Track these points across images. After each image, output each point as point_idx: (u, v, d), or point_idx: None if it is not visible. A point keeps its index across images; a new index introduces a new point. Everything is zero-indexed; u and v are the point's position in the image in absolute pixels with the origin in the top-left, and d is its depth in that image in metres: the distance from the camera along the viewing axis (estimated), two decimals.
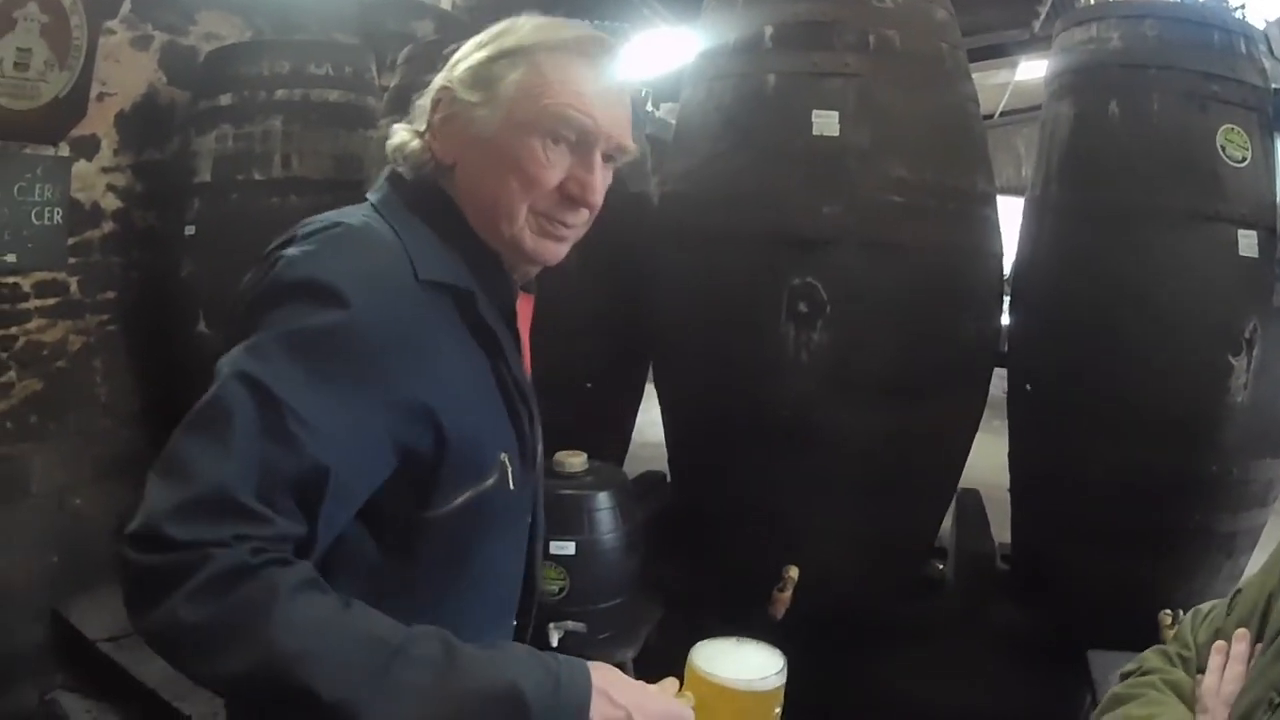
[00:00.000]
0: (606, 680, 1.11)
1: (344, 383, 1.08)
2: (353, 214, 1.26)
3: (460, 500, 1.20)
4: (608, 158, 1.27)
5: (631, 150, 1.29)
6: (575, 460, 3.01)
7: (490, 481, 1.22)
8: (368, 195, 1.32)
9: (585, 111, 1.21)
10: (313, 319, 1.10)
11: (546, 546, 2.87)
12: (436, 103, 1.28)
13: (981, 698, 3.15)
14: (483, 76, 1.24)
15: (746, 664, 1.16)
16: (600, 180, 1.25)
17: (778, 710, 1.20)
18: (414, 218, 1.26)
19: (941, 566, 3.51)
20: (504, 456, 1.25)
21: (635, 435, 3.95)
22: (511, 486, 1.25)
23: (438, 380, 1.16)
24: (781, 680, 1.15)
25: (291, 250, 1.18)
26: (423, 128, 1.30)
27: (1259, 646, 1.00)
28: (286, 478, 1.03)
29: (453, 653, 1.03)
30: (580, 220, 1.29)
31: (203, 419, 1.06)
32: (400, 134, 1.32)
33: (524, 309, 1.40)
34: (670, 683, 1.19)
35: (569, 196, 1.24)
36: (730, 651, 1.21)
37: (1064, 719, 2.84)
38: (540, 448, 1.40)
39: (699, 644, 1.17)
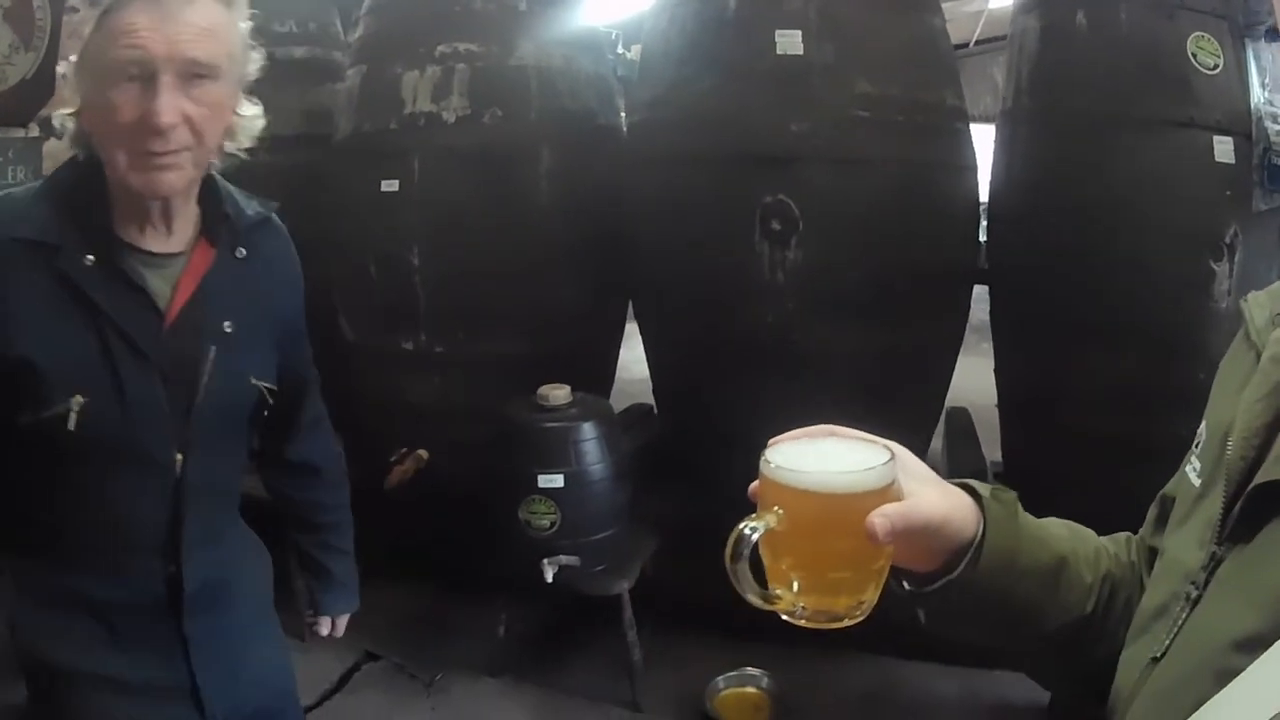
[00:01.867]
0: None
1: None
2: (26, 187, 1.45)
3: (25, 421, 1.33)
4: (192, 77, 1.28)
5: (213, 57, 1.30)
6: (559, 393, 3.00)
7: (51, 413, 1.32)
8: None
9: (137, 44, 1.24)
10: None
11: (534, 483, 2.91)
12: (65, 79, 1.39)
13: None
14: (82, 48, 1.31)
15: (842, 459, 0.91)
16: (169, 103, 1.25)
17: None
18: (58, 186, 1.39)
19: None
20: (78, 399, 1.32)
21: (620, 372, 3.95)
22: (72, 427, 1.32)
23: (5, 317, 1.31)
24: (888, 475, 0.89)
25: None
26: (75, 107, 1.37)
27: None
28: None
29: None
30: (173, 145, 1.29)
31: None
32: (64, 118, 1.41)
33: (199, 260, 1.44)
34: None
35: (146, 127, 1.25)
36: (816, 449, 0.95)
37: None
38: (198, 401, 1.43)
39: (773, 445, 0.94)
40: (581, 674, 3.27)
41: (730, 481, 3.12)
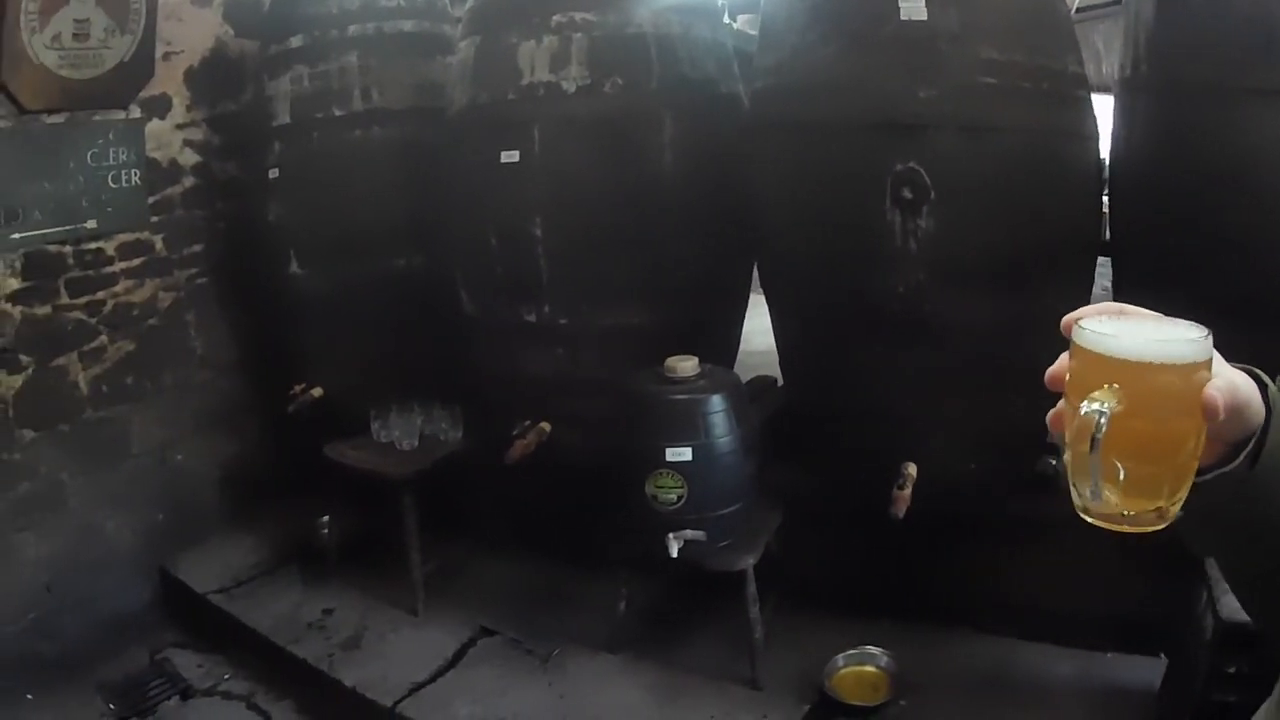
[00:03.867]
0: None
1: None
2: None
3: None
4: None
5: None
6: (687, 365, 2.98)
7: None
8: None
9: None
10: None
11: (662, 456, 2.89)
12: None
13: (1095, 594, 3.11)
14: None
15: (1161, 332, 0.83)
16: None
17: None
18: None
19: (1055, 463, 3.45)
20: None
21: (742, 344, 3.91)
22: None
23: None
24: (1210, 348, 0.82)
25: None
26: None
27: None
28: None
29: None
30: None
31: None
32: None
33: None
34: None
35: None
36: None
37: (1181, 616, 2.78)
38: None
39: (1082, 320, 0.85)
40: (701, 651, 3.26)
41: (853, 455, 3.10)
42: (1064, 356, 0.88)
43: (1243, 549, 0.89)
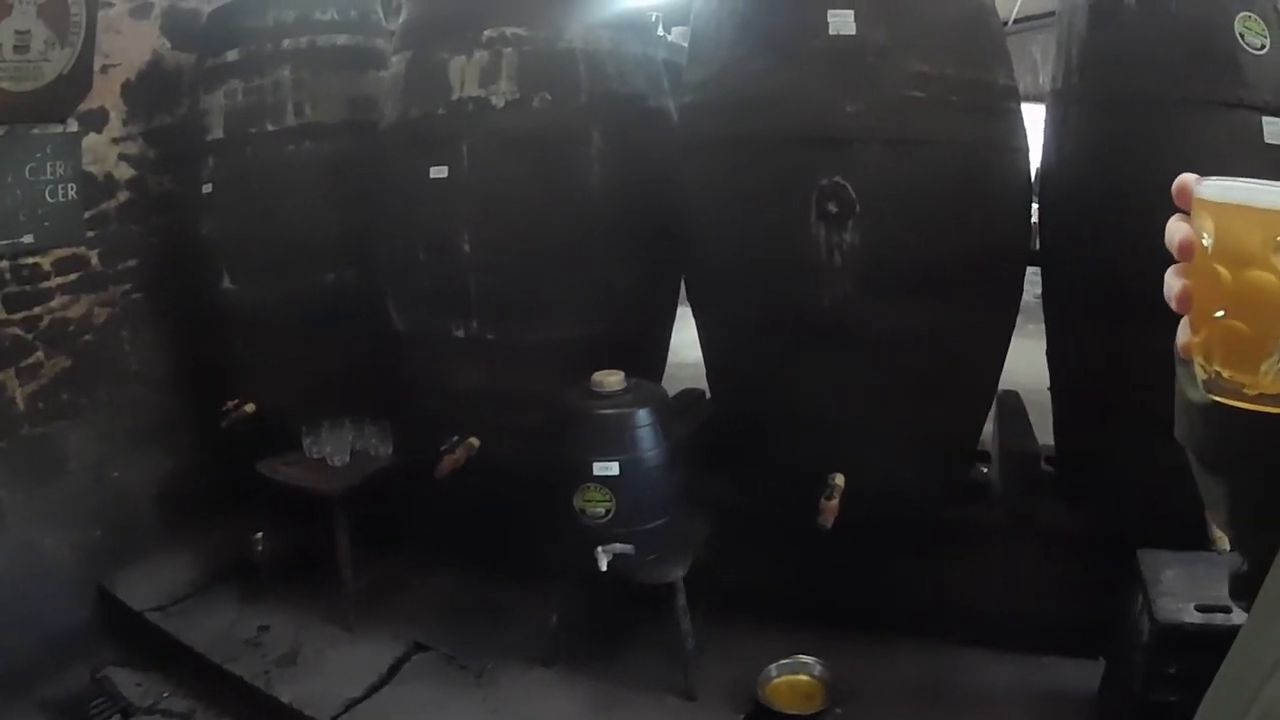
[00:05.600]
0: None
1: None
2: None
3: None
4: None
5: None
6: (612, 379, 2.99)
7: None
8: None
9: None
10: None
11: (589, 471, 2.89)
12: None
13: (1031, 600, 3.15)
14: None
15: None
16: None
17: None
18: None
19: (986, 470, 3.48)
20: None
21: (671, 356, 3.93)
22: None
23: None
24: None
25: None
26: None
27: None
28: None
29: None
30: None
31: None
32: None
33: None
34: None
35: None
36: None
37: (1115, 618, 2.81)
38: None
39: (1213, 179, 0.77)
40: (635, 662, 3.26)
41: (781, 466, 3.11)
42: (1179, 226, 0.78)
43: (1261, 478, 0.83)
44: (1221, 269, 0.74)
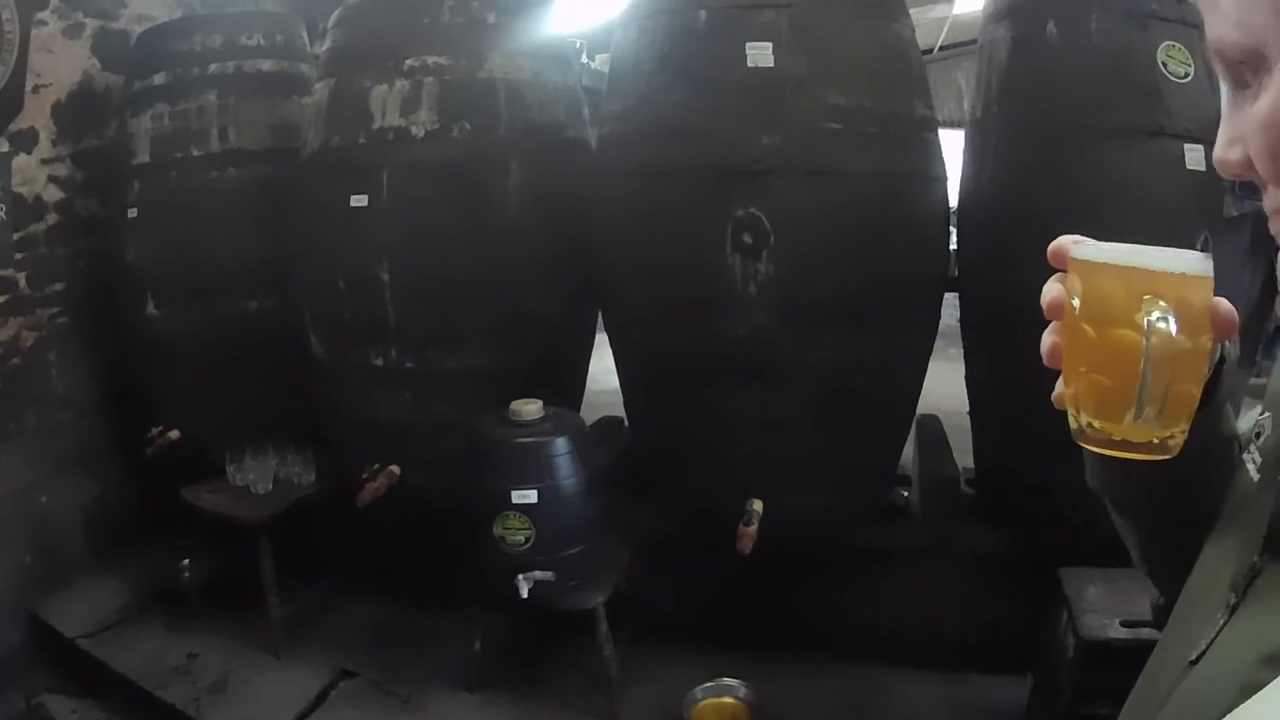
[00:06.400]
0: None
1: None
2: None
3: None
4: None
5: None
6: (530, 408, 3.01)
7: None
8: None
9: None
10: None
11: (508, 499, 2.91)
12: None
13: (955, 620, 3.19)
14: None
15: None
16: None
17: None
18: None
19: (906, 494, 3.52)
20: None
21: (590, 383, 3.94)
22: None
23: None
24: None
25: None
26: None
27: None
28: None
29: None
30: None
31: None
32: None
33: None
34: None
35: None
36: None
37: (1039, 637, 2.85)
38: None
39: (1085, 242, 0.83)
40: (559, 687, 3.27)
41: (701, 493, 3.14)
42: (1052, 287, 0.84)
43: (1160, 497, 0.91)
44: (1088, 328, 0.79)
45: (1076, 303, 0.81)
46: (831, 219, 2.87)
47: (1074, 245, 0.82)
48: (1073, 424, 0.82)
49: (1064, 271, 0.85)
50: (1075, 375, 0.81)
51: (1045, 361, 0.84)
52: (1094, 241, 0.82)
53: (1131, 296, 0.77)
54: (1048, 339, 0.84)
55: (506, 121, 3.28)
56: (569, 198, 3.30)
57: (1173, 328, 0.74)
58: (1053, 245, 0.85)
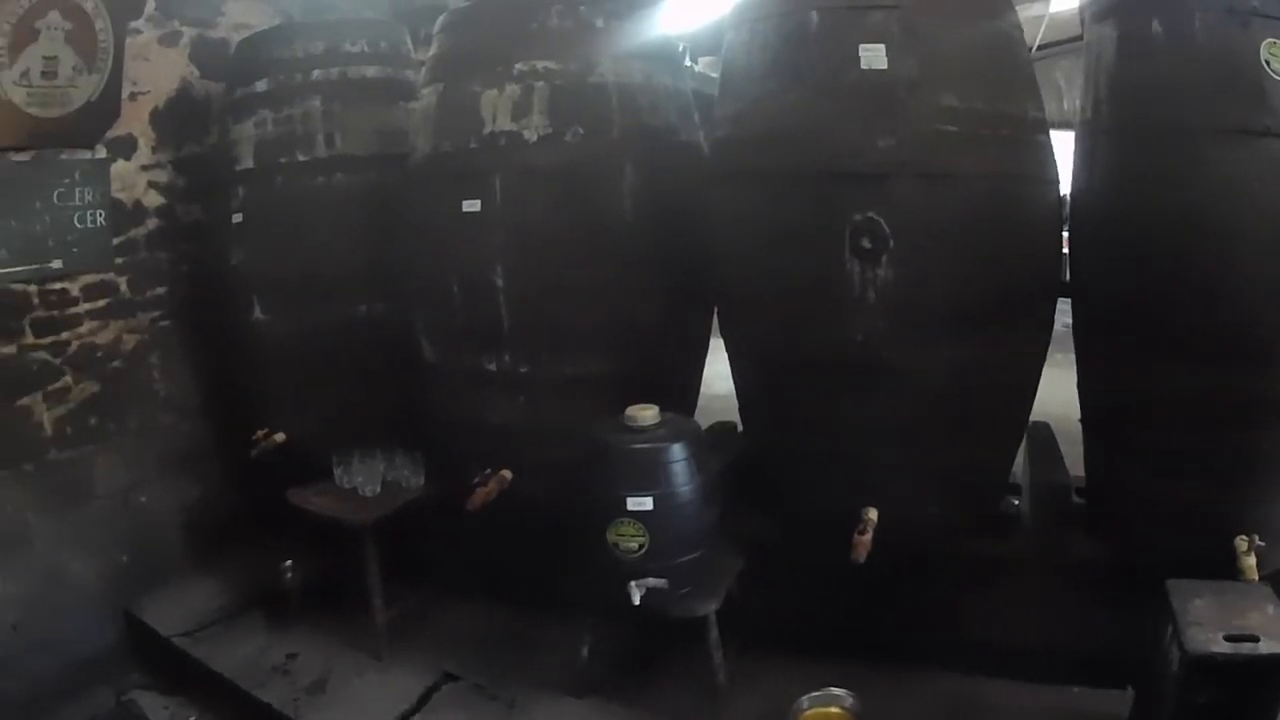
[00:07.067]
0: None
1: None
2: None
3: None
4: None
5: None
6: (647, 414, 2.99)
7: None
8: None
9: None
10: None
11: (623, 505, 2.89)
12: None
13: (1062, 632, 3.13)
14: None
15: None
16: None
17: None
18: None
19: (1017, 502, 3.47)
20: None
21: (703, 388, 3.93)
22: None
23: None
24: None
25: None
26: None
27: None
28: None
29: None
30: None
31: None
32: None
33: None
34: None
35: None
36: None
37: (1145, 650, 2.80)
38: None
39: None
40: (665, 695, 3.25)
41: (813, 499, 3.11)
42: None
43: None
44: None
45: None
46: (947, 223, 2.83)
47: None
48: None
49: None
50: None
51: None
52: None
53: None
54: None
55: (619, 125, 3.28)
56: (682, 202, 3.28)
57: None
58: None
